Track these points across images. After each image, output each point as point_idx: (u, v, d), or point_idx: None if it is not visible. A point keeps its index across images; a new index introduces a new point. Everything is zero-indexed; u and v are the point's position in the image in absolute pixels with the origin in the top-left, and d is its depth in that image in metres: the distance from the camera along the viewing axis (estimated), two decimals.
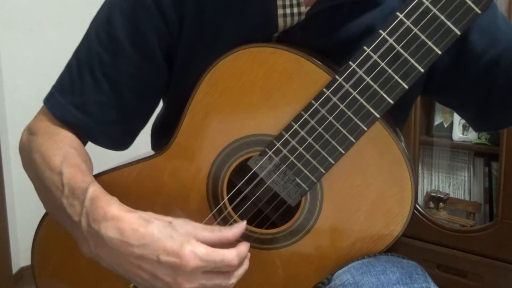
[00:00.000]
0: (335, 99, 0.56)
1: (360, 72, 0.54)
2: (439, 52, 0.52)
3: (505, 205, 1.55)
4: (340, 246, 0.62)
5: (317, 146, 0.58)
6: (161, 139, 0.76)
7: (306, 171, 0.59)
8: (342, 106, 0.56)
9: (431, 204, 1.87)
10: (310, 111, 0.57)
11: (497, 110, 0.67)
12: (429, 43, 0.52)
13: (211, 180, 0.63)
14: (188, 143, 0.64)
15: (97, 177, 0.65)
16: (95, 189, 0.56)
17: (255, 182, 0.62)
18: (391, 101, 0.54)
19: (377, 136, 0.58)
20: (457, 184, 1.85)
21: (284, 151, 0.59)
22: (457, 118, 1.78)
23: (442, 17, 0.51)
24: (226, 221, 0.63)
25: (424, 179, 1.91)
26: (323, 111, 0.56)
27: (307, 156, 0.58)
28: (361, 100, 0.55)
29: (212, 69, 0.60)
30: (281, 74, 0.59)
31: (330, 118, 0.56)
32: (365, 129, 0.56)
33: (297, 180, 0.59)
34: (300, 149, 0.58)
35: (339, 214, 0.61)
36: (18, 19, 1.75)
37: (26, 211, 1.73)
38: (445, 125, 1.84)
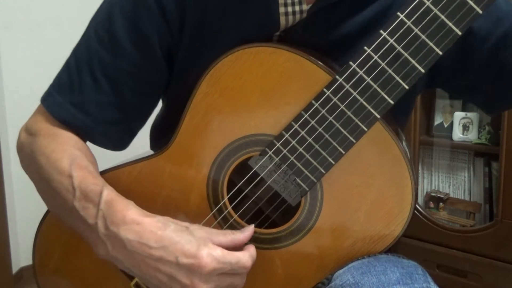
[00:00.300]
0: (335, 99, 0.56)
1: (361, 72, 0.54)
2: (440, 53, 0.52)
3: (505, 205, 1.55)
4: (340, 246, 0.62)
5: (317, 146, 0.58)
6: (160, 140, 0.76)
7: (306, 171, 0.59)
8: (342, 106, 0.56)
9: (431, 204, 1.87)
10: (310, 111, 0.57)
11: (508, 90, 0.66)
12: (430, 43, 0.52)
13: (211, 179, 0.63)
14: (188, 142, 0.64)
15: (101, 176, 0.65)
16: (109, 192, 0.57)
17: (255, 181, 0.62)
18: (392, 102, 0.54)
19: (377, 137, 0.58)
20: (457, 184, 1.85)
21: (284, 151, 0.59)
22: (457, 118, 1.79)
23: (443, 17, 0.51)
24: (226, 221, 0.63)
25: (424, 179, 1.92)
26: (323, 111, 0.56)
27: (307, 156, 0.58)
28: (362, 101, 0.55)
29: (212, 69, 0.60)
30: (281, 74, 0.59)
31: (330, 118, 0.56)
32: (365, 129, 0.56)
33: (298, 180, 0.59)
34: (300, 149, 0.58)
35: (339, 214, 0.61)
36: (18, 19, 1.75)
37: (26, 211, 1.73)
38: (445, 125, 1.84)
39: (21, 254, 1.84)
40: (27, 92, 1.66)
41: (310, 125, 0.57)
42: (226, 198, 0.63)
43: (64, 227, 0.62)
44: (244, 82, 0.60)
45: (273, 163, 0.60)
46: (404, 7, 0.52)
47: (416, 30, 0.52)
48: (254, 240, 0.62)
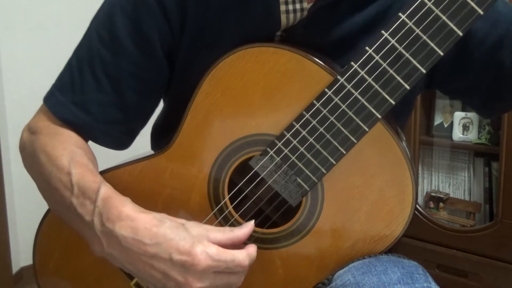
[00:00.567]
0: (336, 99, 0.56)
1: (362, 73, 0.54)
2: (441, 54, 0.52)
3: (505, 205, 1.55)
4: (341, 247, 0.62)
5: (318, 146, 0.58)
6: (161, 139, 0.76)
7: (307, 171, 0.59)
8: (343, 107, 0.56)
9: (431, 204, 1.87)
10: (311, 111, 0.57)
11: (506, 92, 0.67)
12: (432, 44, 0.52)
13: (212, 179, 0.63)
14: (190, 142, 0.64)
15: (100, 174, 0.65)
16: (106, 189, 0.57)
17: (256, 181, 0.62)
18: (393, 102, 0.54)
19: (378, 137, 0.58)
20: (457, 184, 1.85)
21: (286, 151, 0.59)
22: (457, 118, 1.79)
23: (444, 18, 0.51)
24: (227, 221, 0.63)
25: (424, 179, 1.92)
26: (324, 111, 0.56)
27: (308, 156, 0.58)
28: (363, 101, 0.55)
29: (214, 68, 0.60)
30: (282, 74, 0.59)
31: (332, 118, 0.56)
32: (367, 129, 0.56)
33: (298, 180, 0.59)
34: (302, 149, 0.58)
35: (340, 214, 0.61)
36: (18, 19, 1.75)
37: (26, 211, 1.73)
38: (445, 125, 1.84)
39: (21, 254, 1.84)
40: (27, 92, 1.66)
41: (311, 125, 0.57)
42: (227, 198, 0.63)
43: (65, 227, 0.62)
44: (245, 82, 0.60)
45: (273, 163, 0.60)
46: (405, 7, 0.52)
47: (417, 30, 0.52)
48: (254, 240, 0.63)
